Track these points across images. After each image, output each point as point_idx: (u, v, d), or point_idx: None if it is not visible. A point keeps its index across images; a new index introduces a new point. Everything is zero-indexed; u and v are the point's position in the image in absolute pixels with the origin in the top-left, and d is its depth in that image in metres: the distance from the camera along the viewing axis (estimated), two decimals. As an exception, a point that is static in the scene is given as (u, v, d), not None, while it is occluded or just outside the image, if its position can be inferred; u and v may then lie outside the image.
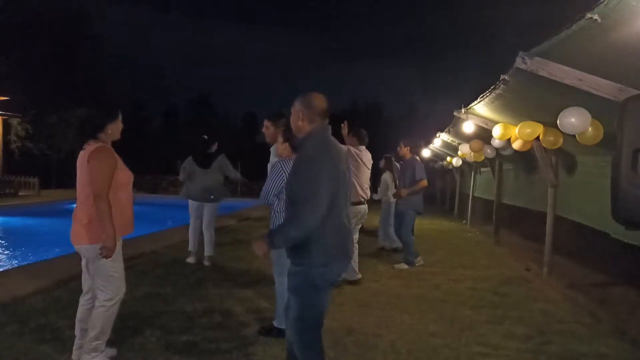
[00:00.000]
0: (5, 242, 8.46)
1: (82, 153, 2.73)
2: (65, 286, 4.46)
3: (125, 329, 3.43)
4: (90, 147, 2.71)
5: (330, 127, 2.46)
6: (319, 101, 2.39)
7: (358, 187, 5.07)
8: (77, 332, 2.87)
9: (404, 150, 6.33)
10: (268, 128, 3.81)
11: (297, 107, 2.40)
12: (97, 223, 2.64)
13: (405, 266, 6.08)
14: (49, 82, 23.20)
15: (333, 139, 2.45)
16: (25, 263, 6.27)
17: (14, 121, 20.63)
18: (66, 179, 25.94)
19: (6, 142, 19.78)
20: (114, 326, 2.80)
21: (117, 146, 2.89)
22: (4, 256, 7.29)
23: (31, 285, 4.38)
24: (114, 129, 2.80)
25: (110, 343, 2.95)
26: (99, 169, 2.64)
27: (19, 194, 16.48)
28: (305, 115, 2.37)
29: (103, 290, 2.75)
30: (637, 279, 5.15)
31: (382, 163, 8.09)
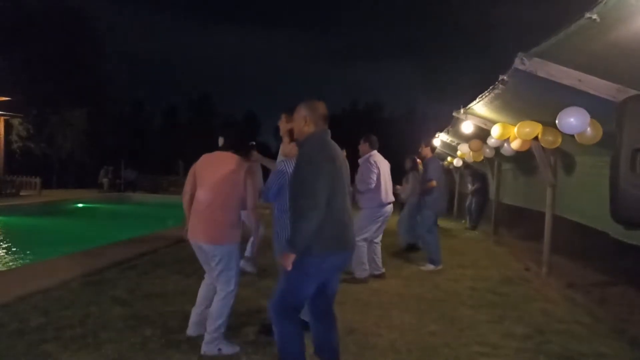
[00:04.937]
0: (6, 242, 8.47)
1: (231, 168, 3.15)
2: (66, 286, 4.47)
3: (125, 329, 3.44)
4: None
5: (329, 130, 2.65)
6: (322, 107, 2.64)
7: (383, 191, 5.20)
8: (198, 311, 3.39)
9: (425, 150, 6.56)
10: (283, 122, 3.70)
11: (302, 113, 2.61)
12: (237, 227, 3.20)
13: (431, 266, 6.03)
14: (50, 82, 23.23)
15: (330, 140, 2.63)
16: (25, 263, 6.30)
17: (16, 121, 20.66)
18: (67, 179, 26.02)
19: (8, 142, 19.78)
20: (114, 326, 2.79)
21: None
22: (5, 256, 7.30)
23: (32, 285, 4.39)
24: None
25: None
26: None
27: (21, 193, 16.48)
28: (310, 119, 2.59)
29: (228, 283, 3.21)
30: (636, 278, 5.15)
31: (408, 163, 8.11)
